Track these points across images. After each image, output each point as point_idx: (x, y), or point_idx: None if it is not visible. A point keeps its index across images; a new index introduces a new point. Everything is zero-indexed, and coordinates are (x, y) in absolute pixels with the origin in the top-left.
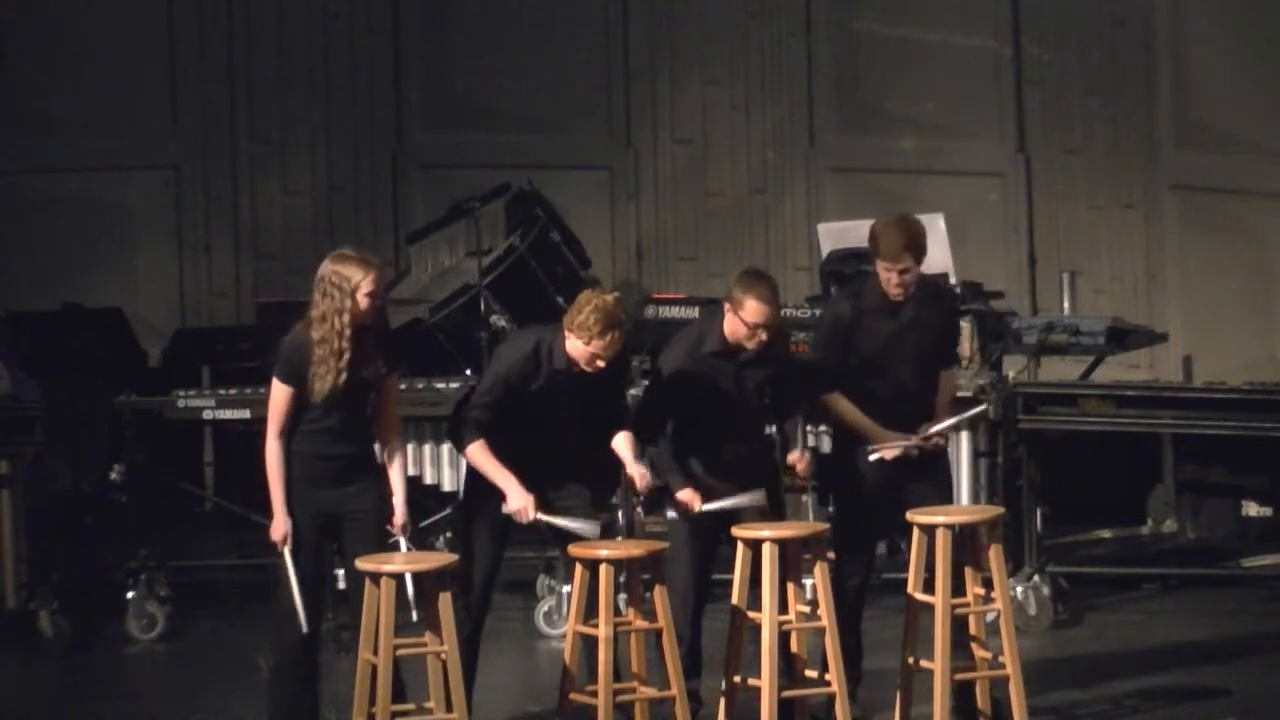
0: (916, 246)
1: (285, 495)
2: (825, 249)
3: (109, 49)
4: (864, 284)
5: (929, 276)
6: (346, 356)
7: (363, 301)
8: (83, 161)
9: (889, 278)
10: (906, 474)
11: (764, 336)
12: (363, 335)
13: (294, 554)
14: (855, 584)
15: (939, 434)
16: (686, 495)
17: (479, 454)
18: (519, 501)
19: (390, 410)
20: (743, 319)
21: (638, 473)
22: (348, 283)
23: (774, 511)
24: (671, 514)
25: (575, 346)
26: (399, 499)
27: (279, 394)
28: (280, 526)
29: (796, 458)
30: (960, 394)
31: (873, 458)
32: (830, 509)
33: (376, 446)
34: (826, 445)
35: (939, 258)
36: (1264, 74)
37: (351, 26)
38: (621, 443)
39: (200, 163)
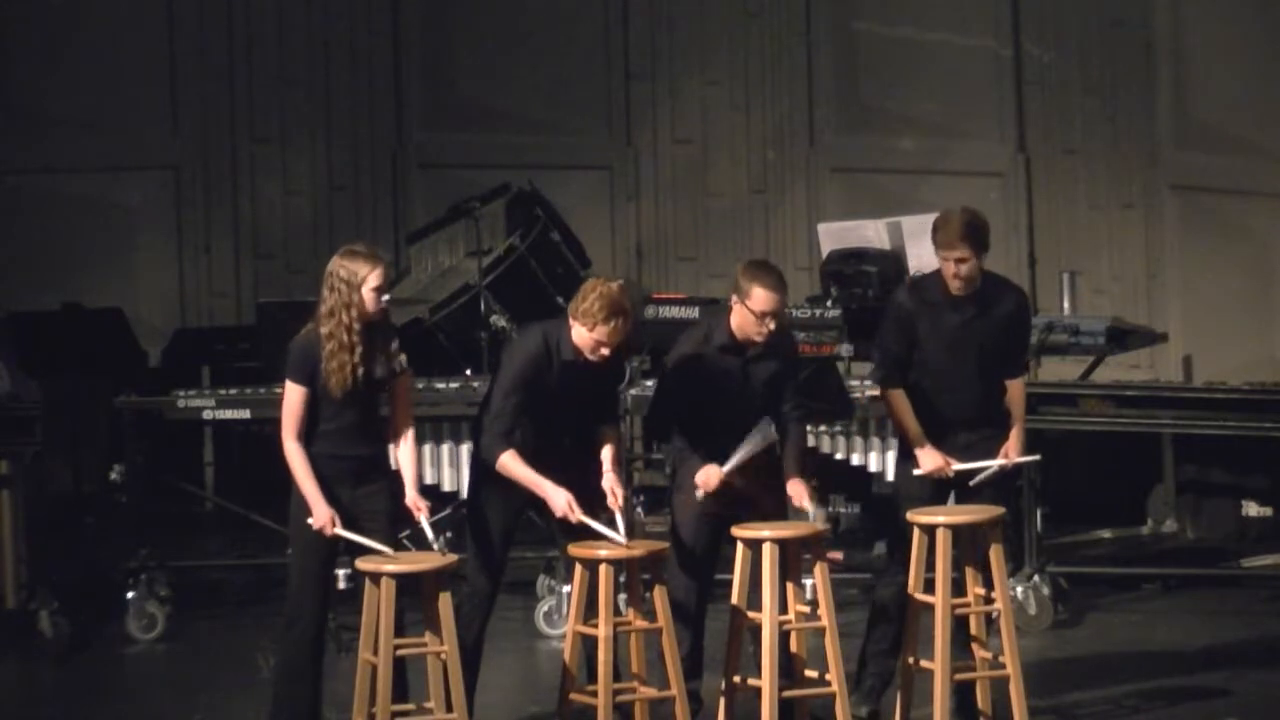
0: (974, 237)
1: (316, 485)
2: (825, 249)
3: (109, 49)
4: (931, 276)
5: (998, 274)
6: (359, 350)
7: (369, 296)
8: (83, 161)
9: (947, 268)
10: (961, 487)
11: (772, 325)
12: (372, 331)
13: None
14: (901, 583)
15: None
16: (704, 475)
17: (511, 463)
18: (563, 502)
19: (404, 411)
20: (750, 308)
21: (611, 489)
22: (355, 277)
23: (775, 512)
24: (692, 499)
25: (580, 334)
26: (409, 479)
27: (293, 395)
28: (323, 512)
29: (798, 493)
30: None
31: (917, 472)
32: (848, 509)
33: (391, 448)
34: (827, 445)
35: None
36: (1264, 74)
37: (351, 26)
38: (606, 455)
39: (200, 163)
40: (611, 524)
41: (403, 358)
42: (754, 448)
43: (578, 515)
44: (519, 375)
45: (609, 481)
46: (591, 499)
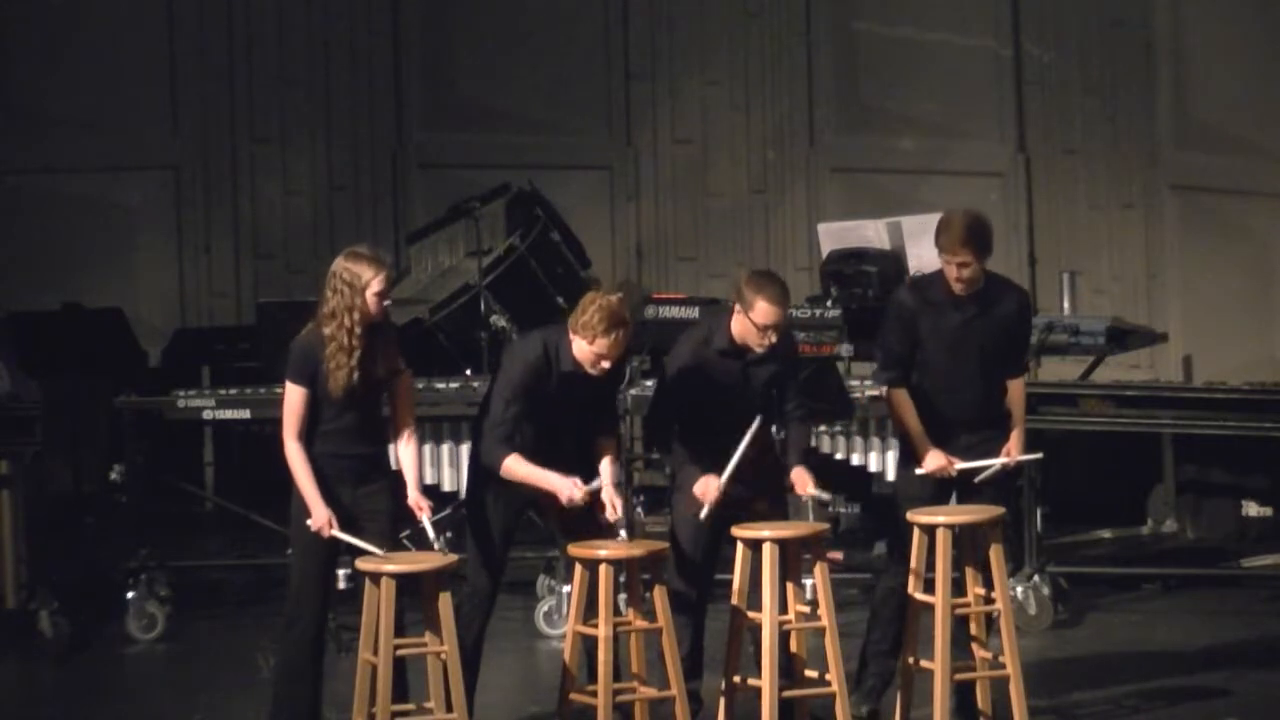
0: (977, 241)
1: (315, 486)
2: (825, 249)
3: (109, 49)
4: (933, 275)
5: (999, 275)
6: (358, 354)
7: (371, 301)
8: (83, 161)
9: (949, 271)
10: (963, 487)
11: (773, 338)
12: (373, 333)
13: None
14: (901, 583)
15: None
16: (702, 486)
17: (516, 466)
18: (567, 488)
19: (406, 410)
20: (753, 320)
21: (610, 501)
22: (358, 280)
23: (776, 511)
24: (703, 510)
25: (580, 347)
26: (411, 478)
27: (293, 395)
28: (321, 514)
29: (802, 483)
30: None
31: (920, 471)
32: (848, 509)
33: (391, 448)
34: (827, 445)
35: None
36: (1264, 74)
37: (351, 26)
38: (605, 467)
39: (200, 163)
40: (611, 532)
41: (399, 361)
42: (744, 448)
43: (583, 491)
44: (518, 383)
45: (607, 495)
46: (592, 506)
